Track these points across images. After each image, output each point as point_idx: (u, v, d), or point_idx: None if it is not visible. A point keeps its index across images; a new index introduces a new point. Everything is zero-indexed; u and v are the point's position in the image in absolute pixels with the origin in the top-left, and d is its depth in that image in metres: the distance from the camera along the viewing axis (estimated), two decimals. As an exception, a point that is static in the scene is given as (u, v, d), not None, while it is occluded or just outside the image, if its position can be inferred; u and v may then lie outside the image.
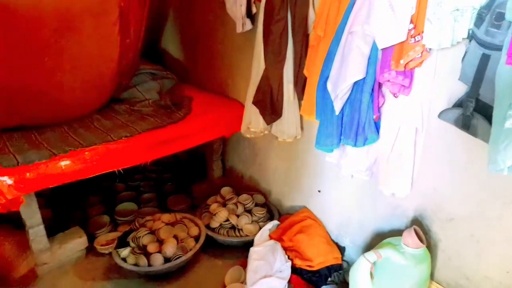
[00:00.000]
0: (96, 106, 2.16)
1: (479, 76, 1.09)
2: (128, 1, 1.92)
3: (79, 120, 2.06)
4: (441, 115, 1.27)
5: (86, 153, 1.75)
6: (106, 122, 2.06)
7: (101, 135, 1.88)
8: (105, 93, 2.13)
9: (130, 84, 2.42)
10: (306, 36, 1.68)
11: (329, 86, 1.44)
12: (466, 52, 1.15)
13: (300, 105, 1.78)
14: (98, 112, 2.19)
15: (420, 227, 1.45)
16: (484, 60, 1.06)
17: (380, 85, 1.41)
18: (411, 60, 1.26)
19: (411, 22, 1.22)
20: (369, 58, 1.35)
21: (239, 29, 2.04)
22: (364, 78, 1.36)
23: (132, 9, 2.10)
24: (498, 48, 1.04)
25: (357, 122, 1.42)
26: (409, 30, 1.23)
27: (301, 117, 1.84)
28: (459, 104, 1.22)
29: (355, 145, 1.45)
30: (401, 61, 1.26)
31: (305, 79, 1.69)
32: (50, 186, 1.68)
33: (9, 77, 1.71)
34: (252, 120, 1.97)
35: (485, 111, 1.13)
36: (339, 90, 1.40)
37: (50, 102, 1.92)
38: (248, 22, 2.00)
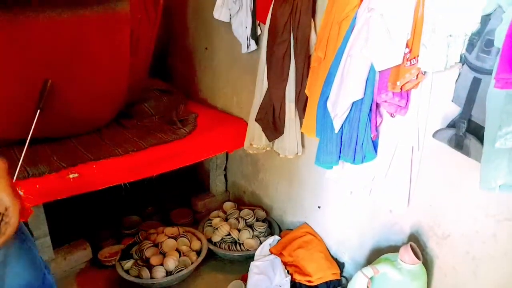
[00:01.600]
0: (105, 121, 2.22)
1: (471, 98, 1.14)
2: (138, 21, 2.00)
3: (88, 135, 2.12)
4: (435, 135, 1.31)
5: (94, 166, 1.80)
6: (114, 137, 2.11)
7: (109, 150, 1.93)
8: (113, 109, 2.20)
9: (138, 100, 2.49)
10: (308, 57, 1.75)
11: (329, 105, 1.50)
12: (459, 75, 1.21)
13: (301, 123, 1.84)
14: (107, 127, 2.25)
15: (416, 244, 1.48)
16: (476, 83, 1.12)
17: (377, 105, 1.46)
18: (407, 82, 1.32)
19: (407, 46, 1.28)
20: (367, 80, 1.41)
21: (244, 50, 2.12)
22: (362, 99, 1.42)
23: (142, 29, 2.20)
24: (488, 73, 1.09)
25: (355, 140, 1.47)
26: (405, 54, 1.28)
27: (302, 134, 1.89)
28: (452, 125, 1.26)
29: (353, 162, 1.49)
30: (398, 83, 1.32)
31: (306, 98, 1.75)
32: (59, 198, 1.72)
33: (22, 91, 1.78)
34: (255, 137, 2.02)
35: (477, 132, 1.17)
36: (338, 109, 1.45)
37: (61, 117, 1.97)
38: (252, 43, 2.07)
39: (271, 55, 1.79)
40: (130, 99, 2.33)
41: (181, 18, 2.71)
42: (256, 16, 1.99)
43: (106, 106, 2.13)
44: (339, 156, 1.56)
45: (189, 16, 2.65)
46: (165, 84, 2.73)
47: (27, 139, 1.66)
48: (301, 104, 1.79)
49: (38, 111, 1.73)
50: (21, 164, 1.65)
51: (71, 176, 1.72)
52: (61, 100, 1.90)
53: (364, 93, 1.41)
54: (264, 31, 1.89)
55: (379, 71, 1.36)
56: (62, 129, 2.02)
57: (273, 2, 1.79)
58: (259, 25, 2.04)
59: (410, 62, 1.29)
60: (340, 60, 1.47)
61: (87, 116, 2.07)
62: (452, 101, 1.24)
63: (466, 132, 1.18)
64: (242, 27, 2.08)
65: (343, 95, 1.43)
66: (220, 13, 2.16)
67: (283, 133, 1.90)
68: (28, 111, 1.86)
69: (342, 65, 1.45)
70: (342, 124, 1.49)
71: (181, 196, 2.65)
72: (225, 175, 2.62)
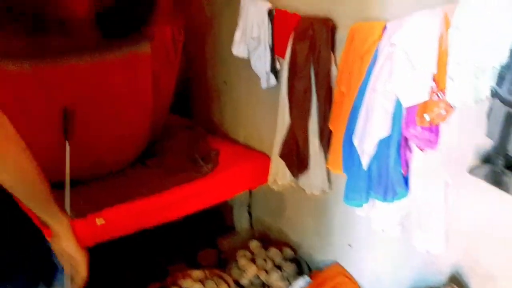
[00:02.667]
0: (128, 162, 2.27)
1: (506, 133, 1.12)
2: (160, 64, 2.08)
3: (112, 176, 2.17)
4: (471, 170, 1.28)
5: (120, 210, 1.84)
6: (137, 177, 2.16)
7: (133, 192, 1.97)
8: (137, 149, 2.26)
9: (160, 138, 2.55)
10: (330, 91, 1.76)
11: (356, 141, 1.49)
12: (490, 109, 1.18)
13: (326, 158, 1.83)
14: (130, 166, 2.30)
15: (457, 285, 1.42)
16: (509, 119, 1.09)
17: (406, 139, 1.45)
18: (436, 116, 1.30)
19: (433, 79, 1.28)
20: (393, 114, 1.40)
21: (263, 85, 2.15)
22: (390, 134, 1.41)
23: (162, 69, 2.27)
24: (523, 107, 1.07)
25: (385, 177, 1.45)
26: (432, 88, 1.28)
27: (328, 170, 1.87)
28: (488, 159, 1.23)
29: (384, 200, 1.47)
30: (426, 117, 1.31)
31: (330, 132, 1.75)
32: (88, 246, 1.75)
33: (48, 135, 1.85)
34: (279, 173, 2.02)
35: (517, 167, 1.14)
36: (365, 146, 1.45)
37: (84, 159, 2.04)
38: (272, 78, 2.11)
39: (292, 90, 1.82)
40: (152, 137, 2.40)
41: (200, 54, 2.79)
42: (275, 51, 2.03)
43: (130, 147, 2.19)
44: (369, 193, 1.54)
45: (208, 52, 2.73)
46: (186, 120, 2.80)
47: (62, 181, 1.69)
48: (326, 139, 1.79)
49: (67, 143, 1.76)
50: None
51: (98, 222, 1.76)
52: (84, 143, 1.97)
53: (392, 129, 1.40)
54: (283, 66, 1.92)
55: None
56: (86, 171, 2.08)
57: (291, 37, 1.83)
58: (278, 59, 2.08)
59: (438, 96, 1.28)
60: (364, 95, 1.48)
61: (111, 158, 2.14)
62: (486, 135, 1.22)
63: (504, 168, 1.15)
64: (261, 62, 2.12)
65: (370, 131, 1.42)
66: (238, 49, 2.21)
67: (308, 168, 1.89)
68: (55, 154, 1.93)
69: (366, 100, 1.45)
70: (370, 160, 1.48)
71: (205, 234, 2.64)
72: (249, 211, 2.61)
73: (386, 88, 1.37)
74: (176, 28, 2.30)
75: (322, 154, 1.85)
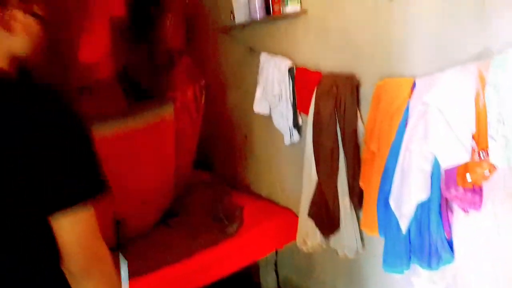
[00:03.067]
0: (154, 223, 2.22)
1: None
2: (183, 124, 2.08)
3: (135, 241, 2.10)
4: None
5: (145, 280, 1.76)
6: (161, 240, 2.09)
7: (158, 258, 1.89)
8: (160, 211, 2.21)
9: (183, 196, 2.50)
10: (357, 148, 1.71)
11: (392, 203, 1.41)
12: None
13: (358, 217, 1.74)
14: (154, 228, 2.24)
15: None
16: None
17: (447, 200, 1.36)
18: (478, 177, 1.23)
19: (473, 138, 1.22)
20: (431, 175, 1.33)
21: (287, 141, 2.12)
22: (429, 197, 1.33)
23: (185, 128, 2.28)
24: None
25: (428, 242, 1.35)
26: (472, 147, 1.21)
27: (361, 229, 1.78)
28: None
29: (429, 267, 1.36)
30: (468, 178, 1.23)
31: (361, 191, 1.68)
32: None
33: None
34: (309, 233, 1.93)
35: None
36: (403, 209, 1.37)
37: (110, 225, 2.00)
38: (295, 134, 2.08)
39: (318, 148, 1.77)
40: (175, 195, 2.35)
41: (221, 109, 2.80)
42: (297, 106, 2.01)
43: (153, 211, 2.14)
44: (410, 257, 1.43)
45: (229, 108, 2.74)
46: (208, 175, 2.76)
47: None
48: (356, 197, 1.72)
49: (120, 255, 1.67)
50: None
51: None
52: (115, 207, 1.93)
53: (431, 190, 1.33)
54: (307, 123, 1.89)
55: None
56: (110, 239, 2.03)
57: (314, 94, 1.81)
58: (300, 115, 2.05)
59: (479, 156, 1.21)
60: (396, 154, 1.42)
61: (134, 223, 2.08)
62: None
63: None
64: (283, 118, 2.10)
65: (407, 193, 1.35)
66: (259, 107, 2.21)
67: (339, 229, 1.80)
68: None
69: (401, 161, 1.38)
70: (410, 223, 1.39)
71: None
72: (276, 270, 2.49)
73: (422, 148, 1.31)
74: (197, 87, 2.33)
75: (353, 214, 1.77)
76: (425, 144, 1.29)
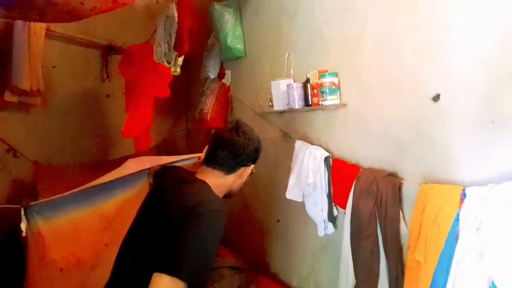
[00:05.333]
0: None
1: None
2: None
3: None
4: None
5: None
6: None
7: None
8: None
9: (210, 280, 2.37)
10: (400, 252, 1.57)
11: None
12: None
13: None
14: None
15: None
16: None
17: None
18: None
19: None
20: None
21: (321, 232, 2.00)
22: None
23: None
24: None
25: None
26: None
27: None
28: None
29: None
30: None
31: (404, 299, 1.50)
32: None
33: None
34: None
35: None
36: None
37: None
38: (330, 226, 1.96)
39: (357, 249, 1.64)
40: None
41: (254, 190, 2.74)
42: (333, 200, 1.92)
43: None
44: None
45: (262, 189, 2.68)
46: (236, 259, 2.62)
47: None
48: (399, 308, 1.54)
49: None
50: None
51: None
52: None
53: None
54: (345, 217, 1.78)
55: (504, 291, 1.13)
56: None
57: (353, 190, 1.72)
58: (336, 207, 1.95)
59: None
60: (446, 268, 1.28)
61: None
62: None
63: None
64: (317, 208, 2.01)
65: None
66: (292, 194, 2.13)
67: None
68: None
69: (452, 278, 1.24)
70: None
71: None
72: None
73: (476, 267, 1.17)
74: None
75: (395, 325, 1.57)
76: (480, 264, 1.15)
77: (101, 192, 1.90)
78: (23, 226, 1.61)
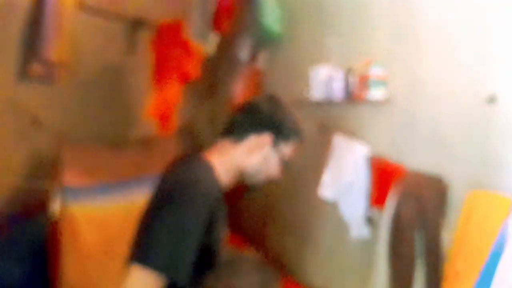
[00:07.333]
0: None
1: None
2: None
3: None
4: None
5: None
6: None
7: None
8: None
9: (228, 274, 2.49)
10: (440, 261, 1.64)
11: None
12: None
13: None
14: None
15: None
16: None
17: None
18: None
19: None
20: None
21: (354, 234, 2.08)
22: None
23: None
24: None
25: None
26: None
27: None
28: None
29: None
30: None
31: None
32: None
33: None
34: None
35: None
36: None
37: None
38: (365, 229, 2.04)
39: (394, 255, 1.73)
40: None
41: (278, 185, 2.81)
42: (372, 200, 1.99)
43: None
44: None
45: (291, 181, 2.74)
46: (258, 255, 2.74)
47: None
48: (433, 320, 1.62)
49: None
50: None
51: None
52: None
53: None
54: (381, 219, 1.85)
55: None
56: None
57: (394, 192, 1.79)
58: (372, 209, 2.02)
59: None
60: (487, 282, 1.34)
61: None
62: None
63: None
64: (353, 209, 2.08)
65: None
66: (326, 192, 2.21)
67: None
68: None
69: (494, 291, 1.31)
70: None
71: None
72: None
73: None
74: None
75: (428, 337, 1.66)
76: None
77: (136, 186, 2.03)
78: (55, 206, 1.74)
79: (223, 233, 1.24)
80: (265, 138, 1.21)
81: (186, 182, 1.06)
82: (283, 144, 1.25)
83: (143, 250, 0.99)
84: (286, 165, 1.28)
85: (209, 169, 1.14)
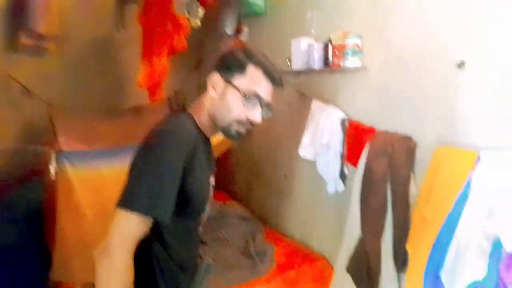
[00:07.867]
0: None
1: None
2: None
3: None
4: None
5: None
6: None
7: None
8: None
9: (216, 228, 2.47)
10: (407, 210, 1.65)
11: (443, 277, 1.34)
12: None
13: (399, 280, 1.66)
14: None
15: None
16: None
17: (505, 285, 1.28)
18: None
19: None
20: (490, 254, 1.26)
21: (331, 190, 2.07)
22: (485, 277, 1.25)
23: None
24: None
25: (481, 325, 1.26)
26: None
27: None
28: None
29: None
30: (533, 266, 1.16)
31: (406, 254, 1.60)
32: None
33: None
34: (344, 286, 1.85)
35: None
36: (456, 285, 1.29)
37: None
38: (340, 184, 2.03)
39: (366, 205, 1.72)
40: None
41: (262, 145, 2.80)
42: (345, 157, 1.98)
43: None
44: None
45: (272, 145, 2.73)
46: (243, 208, 2.73)
47: None
48: (401, 261, 1.64)
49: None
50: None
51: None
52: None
53: (487, 271, 1.25)
54: (354, 174, 1.85)
55: (507, 249, 1.22)
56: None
57: (367, 150, 1.78)
58: (346, 165, 2.01)
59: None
60: (452, 227, 1.35)
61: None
62: None
63: None
64: (328, 167, 2.07)
65: (462, 271, 1.28)
66: (306, 152, 2.18)
67: (378, 289, 1.72)
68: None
69: (458, 235, 1.32)
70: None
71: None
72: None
73: (484, 227, 1.24)
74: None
75: (395, 276, 1.69)
76: (488, 223, 1.23)
77: (129, 153, 1.93)
78: (52, 169, 1.65)
79: (209, 180, 1.17)
80: (212, 76, 1.10)
81: (163, 131, 1.05)
82: (238, 77, 1.08)
83: (125, 195, 0.97)
84: (266, 109, 1.12)
85: (186, 119, 1.10)
